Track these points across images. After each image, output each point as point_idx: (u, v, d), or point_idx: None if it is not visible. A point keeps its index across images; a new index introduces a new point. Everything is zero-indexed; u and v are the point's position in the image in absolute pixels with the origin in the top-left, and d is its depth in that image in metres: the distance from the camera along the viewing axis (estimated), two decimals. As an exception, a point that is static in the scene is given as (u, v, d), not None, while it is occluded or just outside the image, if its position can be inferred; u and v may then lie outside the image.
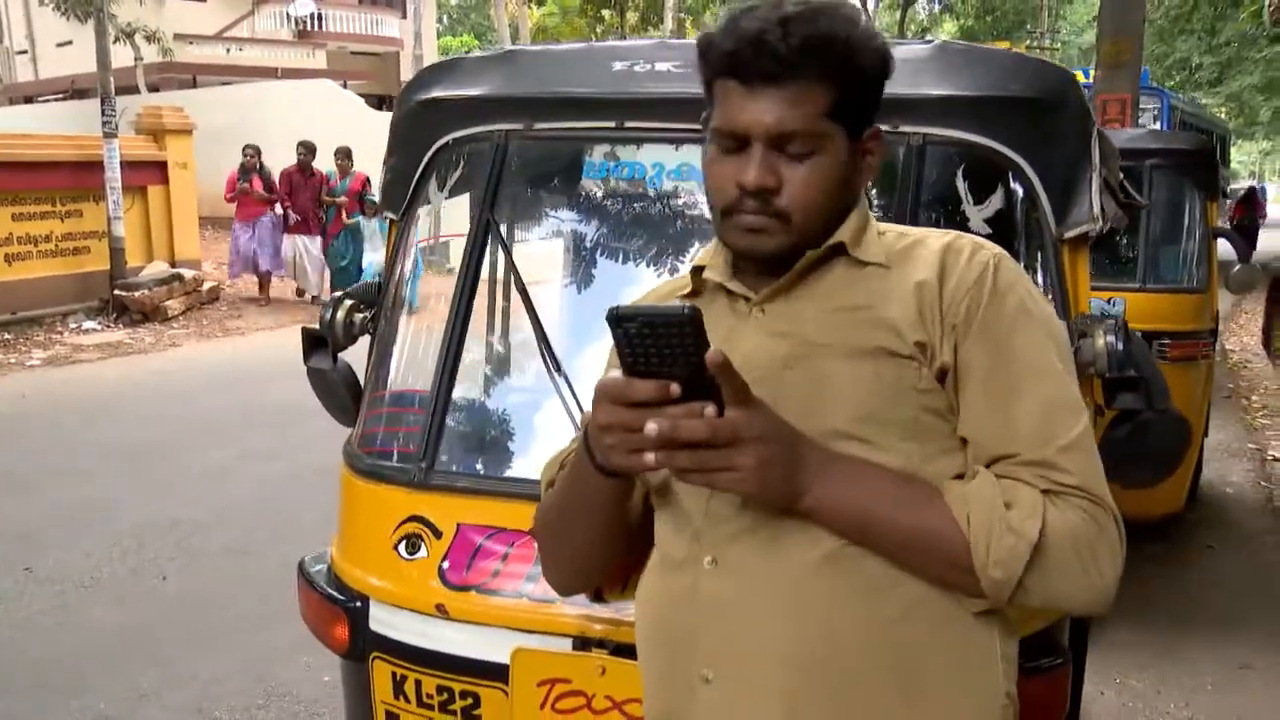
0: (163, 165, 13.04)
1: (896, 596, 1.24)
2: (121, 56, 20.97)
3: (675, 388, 1.09)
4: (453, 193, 2.16)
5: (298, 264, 13.41)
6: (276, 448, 6.73)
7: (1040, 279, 1.93)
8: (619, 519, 1.40)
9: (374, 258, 11.84)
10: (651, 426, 1.11)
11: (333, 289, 12.45)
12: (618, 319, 1.08)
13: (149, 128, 13.34)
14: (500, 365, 2.20)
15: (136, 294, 11.58)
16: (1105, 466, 1.95)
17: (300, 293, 13.87)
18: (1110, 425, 1.95)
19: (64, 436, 7.37)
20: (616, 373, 1.15)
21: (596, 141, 2.09)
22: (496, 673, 1.78)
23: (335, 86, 20.24)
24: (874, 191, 1.93)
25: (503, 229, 2.09)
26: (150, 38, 19.52)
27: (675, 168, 2.03)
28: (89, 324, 11.66)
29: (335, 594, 1.97)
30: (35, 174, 11.59)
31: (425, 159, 2.17)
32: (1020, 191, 1.92)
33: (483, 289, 2.12)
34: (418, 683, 1.85)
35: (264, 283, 13.47)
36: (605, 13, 31.26)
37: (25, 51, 29.70)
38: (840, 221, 1.32)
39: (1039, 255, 1.92)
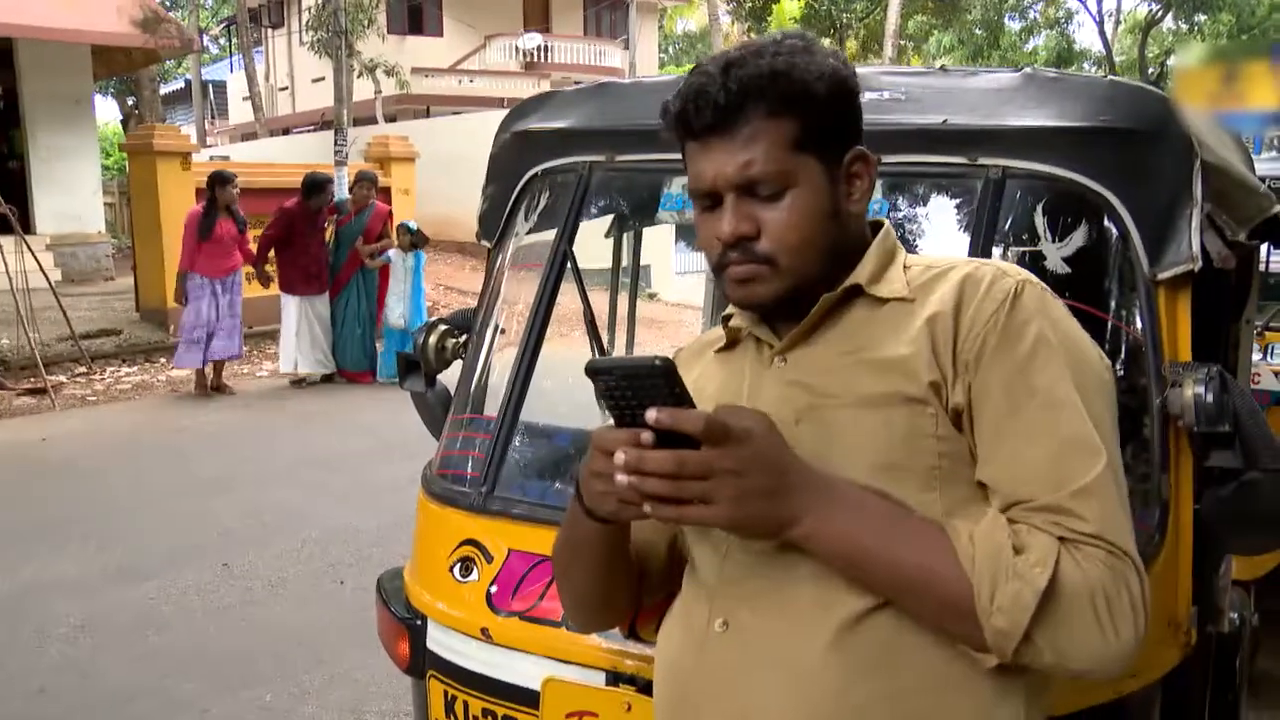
0: (387, 190, 13.85)
1: (913, 668, 1.17)
2: (365, 89, 22.53)
3: (647, 435, 1.09)
4: (539, 223, 2.20)
5: (303, 338, 9.71)
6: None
7: (1138, 321, 1.78)
8: (614, 563, 1.38)
9: (400, 308, 9.68)
10: (620, 456, 1.11)
11: (340, 363, 9.96)
12: (595, 371, 1.11)
13: (376, 155, 14.25)
14: (567, 393, 2.22)
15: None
16: (1210, 528, 1.78)
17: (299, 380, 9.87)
18: (1215, 484, 1.77)
19: (275, 443, 7.93)
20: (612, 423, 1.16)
21: (675, 173, 2.09)
22: (532, 700, 1.79)
23: (553, 115, 20.88)
24: (945, 228, 1.84)
25: (580, 259, 2.12)
26: (389, 72, 20.81)
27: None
28: (317, 338, 12.47)
29: (401, 612, 2.04)
30: (277, 199, 12.57)
31: (517, 189, 2.23)
32: (1111, 229, 1.78)
33: (563, 316, 2.15)
34: (465, 704, 1.88)
35: (218, 369, 9.59)
36: (826, 41, 31.05)
37: (286, 88, 32.35)
38: (844, 253, 1.27)
39: (1131, 297, 1.78)
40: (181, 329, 9.22)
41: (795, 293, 1.25)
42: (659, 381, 1.09)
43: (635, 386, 1.09)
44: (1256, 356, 4.18)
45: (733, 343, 1.38)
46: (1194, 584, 1.82)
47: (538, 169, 2.20)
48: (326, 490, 6.67)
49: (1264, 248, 3.50)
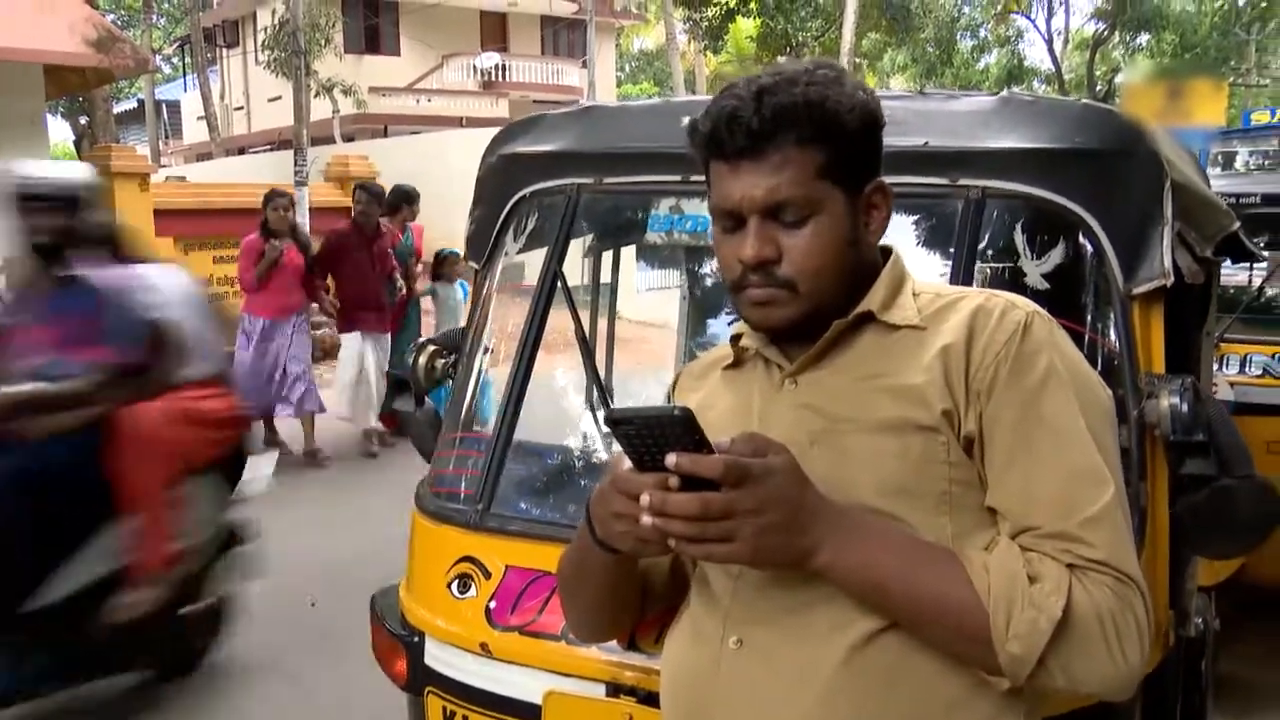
0: (348, 210, 13.72)
1: (920, 685, 1.21)
2: (322, 109, 22.40)
3: (674, 481, 1.13)
4: (528, 244, 2.24)
5: (364, 384, 7.57)
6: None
7: (1114, 335, 1.85)
8: (623, 586, 1.42)
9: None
10: (645, 499, 1.14)
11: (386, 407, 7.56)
12: (615, 421, 1.14)
13: (336, 175, 14.18)
14: (558, 412, 2.26)
15: (317, 333, 12.18)
16: (1184, 534, 1.86)
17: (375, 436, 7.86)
18: (1187, 491, 1.84)
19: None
20: (630, 465, 1.19)
21: (662, 195, 2.13)
22: (533, 713, 1.81)
23: (513, 134, 20.88)
24: (928, 247, 1.90)
25: (573, 280, 2.16)
26: (347, 91, 20.72)
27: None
28: (277, 361, 12.31)
29: (397, 629, 2.06)
30: (234, 220, 12.46)
31: (504, 211, 2.26)
32: (1086, 246, 1.85)
33: (555, 337, 2.18)
34: (465, 719, 1.90)
35: (308, 430, 7.69)
36: (781, 59, 31.35)
37: (241, 107, 32.10)
38: (858, 280, 1.31)
39: (1107, 311, 1.85)
40: None
41: (812, 317, 1.28)
42: (679, 429, 1.12)
43: (655, 435, 1.13)
44: (1214, 367, 4.28)
45: (739, 361, 1.42)
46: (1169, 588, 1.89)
47: (526, 191, 2.24)
48: (301, 513, 6.61)
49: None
